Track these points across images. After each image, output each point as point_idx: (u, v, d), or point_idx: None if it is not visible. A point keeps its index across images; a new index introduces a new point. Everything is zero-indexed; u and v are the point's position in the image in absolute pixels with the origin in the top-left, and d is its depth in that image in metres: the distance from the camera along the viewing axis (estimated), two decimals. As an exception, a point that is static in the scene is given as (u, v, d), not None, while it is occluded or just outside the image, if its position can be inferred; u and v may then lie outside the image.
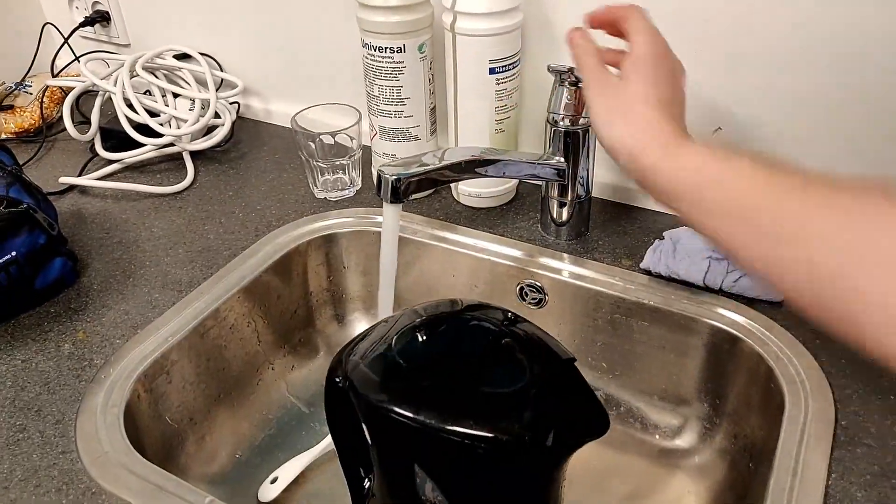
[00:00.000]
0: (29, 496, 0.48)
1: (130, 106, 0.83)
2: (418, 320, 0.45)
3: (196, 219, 0.76)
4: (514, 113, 0.70)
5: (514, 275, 0.68)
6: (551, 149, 0.64)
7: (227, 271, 0.67)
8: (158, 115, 0.84)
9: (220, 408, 0.66)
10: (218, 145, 0.86)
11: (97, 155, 0.85)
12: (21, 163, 0.76)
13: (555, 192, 0.67)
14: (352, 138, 0.76)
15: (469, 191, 0.74)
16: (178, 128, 0.83)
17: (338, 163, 0.76)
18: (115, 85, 0.84)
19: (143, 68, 0.86)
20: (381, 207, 0.55)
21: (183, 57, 0.92)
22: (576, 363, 0.43)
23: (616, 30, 0.53)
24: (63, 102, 0.89)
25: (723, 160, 0.42)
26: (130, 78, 0.85)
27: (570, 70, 0.60)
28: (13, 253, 0.61)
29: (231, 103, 0.92)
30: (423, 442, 0.40)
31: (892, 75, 0.59)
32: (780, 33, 0.61)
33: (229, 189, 0.81)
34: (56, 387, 0.56)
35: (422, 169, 0.55)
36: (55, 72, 1.00)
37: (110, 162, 0.84)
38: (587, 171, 0.66)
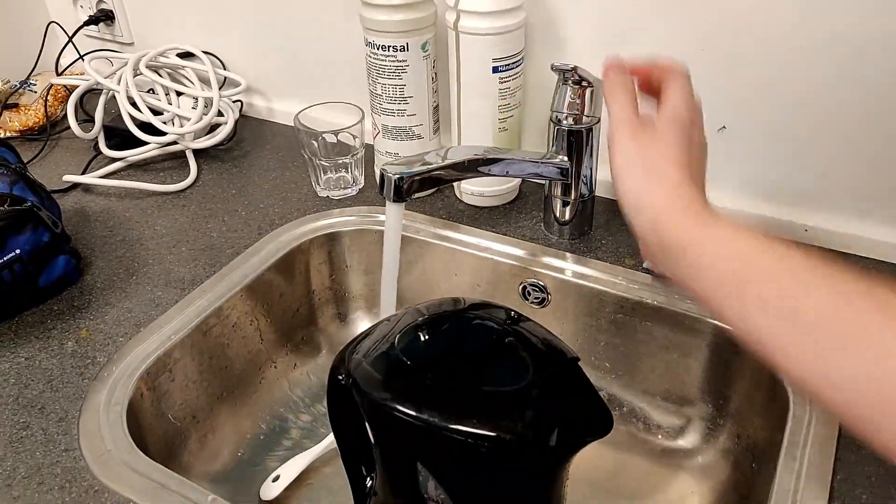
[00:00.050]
0: (32, 493, 0.48)
1: (134, 104, 0.83)
2: (421, 319, 0.45)
3: (199, 217, 0.76)
4: (517, 112, 0.70)
5: (516, 274, 0.68)
6: (554, 148, 0.64)
7: (230, 269, 0.67)
8: (162, 114, 0.84)
9: (222, 406, 0.66)
10: (221, 143, 0.87)
11: (101, 153, 0.85)
12: (25, 161, 0.76)
13: (558, 191, 0.67)
14: (355, 137, 0.76)
15: (472, 190, 0.74)
16: (182, 126, 0.83)
17: (340, 161, 0.76)
18: (118, 83, 0.84)
19: (146, 67, 0.86)
20: (384, 206, 0.55)
21: (186, 55, 0.92)
22: (579, 363, 0.43)
23: (649, 85, 0.50)
24: (67, 101, 0.90)
25: (768, 248, 0.38)
26: (134, 76, 0.85)
27: (574, 69, 0.60)
28: (17, 251, 0.61)
29: (234, 101, 0.92)
30: (425, 440, 0.40)
31: (892, 75, 0.59)
32: (780, 33, 0.61)
33: (232, 187, 0.81)
34: (59, 384, 0.56)
35: (425, 168, 0.55)
36: (59, 70, 1.01)
37: (114, 160, 0.84)
38: (590, 170, 0.66)
